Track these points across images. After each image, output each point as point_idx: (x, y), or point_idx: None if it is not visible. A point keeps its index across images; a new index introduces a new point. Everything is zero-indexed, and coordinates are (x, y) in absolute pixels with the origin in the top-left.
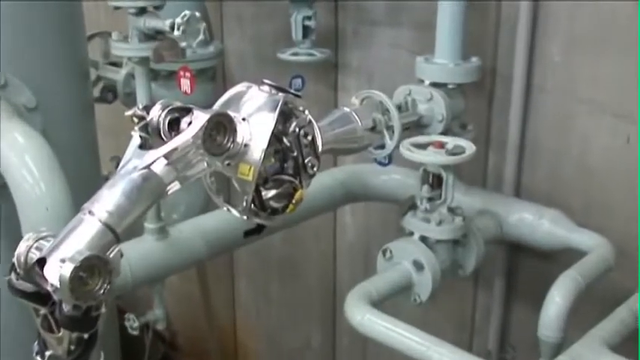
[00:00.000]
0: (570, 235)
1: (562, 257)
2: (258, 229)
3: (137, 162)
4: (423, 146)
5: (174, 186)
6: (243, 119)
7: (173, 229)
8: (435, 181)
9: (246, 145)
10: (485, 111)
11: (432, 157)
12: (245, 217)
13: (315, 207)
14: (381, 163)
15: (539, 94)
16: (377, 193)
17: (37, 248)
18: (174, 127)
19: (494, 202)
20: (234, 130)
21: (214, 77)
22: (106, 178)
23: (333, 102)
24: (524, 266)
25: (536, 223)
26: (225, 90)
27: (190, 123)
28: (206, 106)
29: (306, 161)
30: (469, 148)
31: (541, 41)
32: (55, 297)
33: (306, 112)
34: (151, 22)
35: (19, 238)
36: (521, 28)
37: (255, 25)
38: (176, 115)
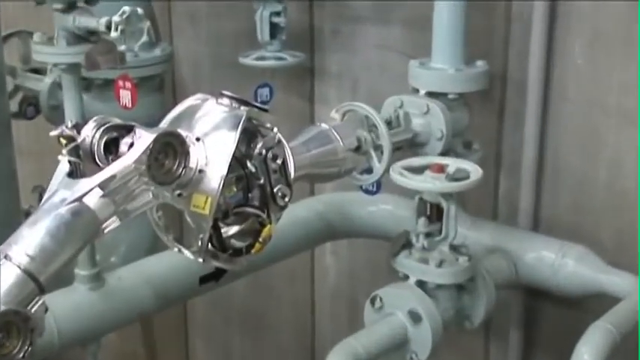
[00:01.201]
0: (600, 277)
1: (591, 304)
2: (218, 275)
3: (65, 193)
4: (418, 170)
5: (113, 222)
6: (198, 139)
7: (111, 275)
8: (433, 213)
9: (201, 172)
10: (495, 126)
11: (429, 184)
12: (201, 260)
13: (288, 246)
14: (367, 192)
15: (559, 104)
16: (363, 227)
17: None
18: (111, 149)
19: (507, 238)
20: (187, 153)
21: (161, 87)
22: (27, 214)
23: (308, 117)
24: (545, 315)
25: (559, 262)
26: (175, 103)
27: (132, 145)
28: (151, 123)
29: (275, 190)
30: (475, 171)
31: (561, 40)
32: None
33: (275, 129)
34: (82, 21)
35: None
36: (537, 24)
37: (212, 24)
38: (114, 134)
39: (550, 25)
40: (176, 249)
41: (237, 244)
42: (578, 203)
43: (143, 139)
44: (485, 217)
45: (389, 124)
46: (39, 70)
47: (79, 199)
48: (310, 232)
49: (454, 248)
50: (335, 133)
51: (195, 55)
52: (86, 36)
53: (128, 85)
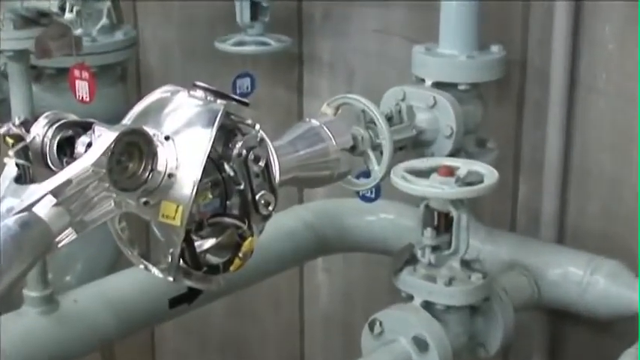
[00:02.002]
0: (635, 297)
1: (624, 327)
2: (191, 296)
3: (13, 202)
4: (424, 173)
5: (68, 235)
6: (167, 138)
7: (66, 297)
8: (442, 223)
9: (171, 176)
10: (513, 121)
11: (437, 189)
12: (171, 279)
13: (273, 262)
14: (365, 198)
15: (587, 95)
16: (360, 240)
17: None
18: (66, 150)
19: (528, 252)
20: (154, 154)
21: (124, 78)
22: None
23: (296, 111)
24: (572, 341)
25: (588, 280)
26: (140, 96)
27: (90, 144)
28: (113, 119)
29: (257, 197)
30: (490, 174)
31: (588, 22)
32: None
33: (257, 126)
34: (31, 1)
35: None
36: (561, 4)
37: (184, 3)
38: (69, 133)
39: (576, 5)
40: (142, 266)
41: (213, 260)
42: (610, 211)
43: (103, 137)
44: (502, 227)
45: (389, 119)
46: None
47: (29, 208)
48: (298, 245)
49: (466, 264)
50: (327, 131)
51: (164, 40)
52: (36, 18)
53: (85, 75)
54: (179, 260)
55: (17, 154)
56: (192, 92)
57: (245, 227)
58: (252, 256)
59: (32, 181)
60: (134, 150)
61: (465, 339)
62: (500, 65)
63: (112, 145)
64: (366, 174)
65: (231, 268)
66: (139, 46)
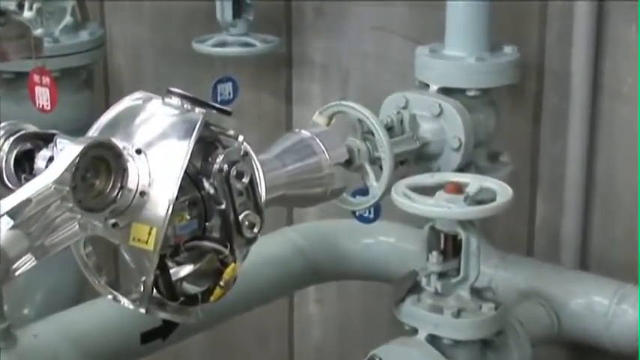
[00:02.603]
0: None
1: None
2: (165, 330)
3: None
4: (429, 190)
5: (27, 262)
6: (139, 152)
7: (24, 332)
8: (449, 247)
9: (143, 194)
10: (529, 132)
11: (443, 209)
12: (143, 311)
13: (259, 291)
14: (362, 219)
15: (612, 102)
16: (357, 266)
17: None
18: (25, 166)
19: (547, 279)
20: (124, 170)
21: (90, 83)
22: None
23: (284, 121)
24: None
25: (614, 310)
26: (108, 104)
27: (51, 159)
28: (77, 130)
29: (240, 218)
30: (503, 192)
31: (613, 20)
32: None
33: (240, 138)
34: None
35: None
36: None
37: None
38: (28, 146)
39: (599, 2)
40: (110, 296)
41: (190, 289)
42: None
43: (66, 151)
44: (518, 251)
45: (390, 129)
46: None
47: None
48: (287, 272)
49: (476, 293)
50: (319, 143)
51: (135, 40)
52: None
53: (46, 80)
54: (152, 289)
55: None
56: (166, 100)
57: (227, 252)
58: (235, 285)
59: None
60: (101, 165)
61: None
62: (514, 68)
63: (77, 160)
64: (364, 191)
65: (212, 298)
66: (107, 48)
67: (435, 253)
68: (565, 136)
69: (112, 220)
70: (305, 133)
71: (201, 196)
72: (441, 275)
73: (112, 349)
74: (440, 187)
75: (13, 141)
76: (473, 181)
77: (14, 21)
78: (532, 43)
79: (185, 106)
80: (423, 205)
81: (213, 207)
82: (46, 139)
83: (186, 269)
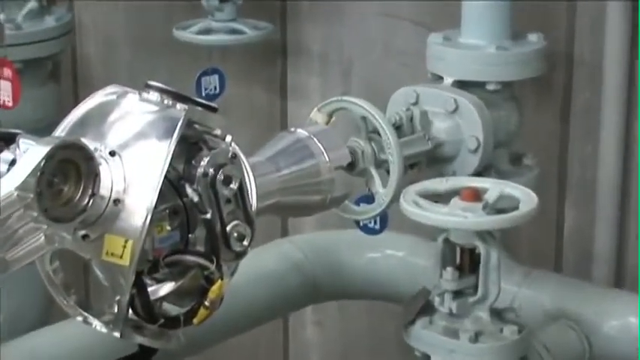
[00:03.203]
0: None
1: None
2: (142, 357)
3: None
4: (443, 197)
5: None
6: (113, 154)
7: None
8: (466, 262)
9: (117, 202)
10: (557, 131)
11: (459, 218)
12: (117, 334)
13: (250, 313)
14: (367, 230)
15: None
16: (360, 284)
17: None
18: None
19: (577, 298)
20: (95, 175)
21: (57, 75)
22: None
23: (278, 119)
24: None
25: None
26: (77, 100)
27: (14, 162)
28: (43, 129)
29: (228, 229)
30: (527, 199)
31: None
32: None
33: (228, 138)
34: None
35: None
36: None
37: None
38: None
39: None
40: (80, 318)
41: (171, 309)
42: None
43: (30, 153)
44: (545, 266)
45: (398, 128)
46: None
47: None
48: (282, 291)
49: (497, 314)
50: (317, 143)
51: (108, 27)
52: None
53: (8, 72)
54: (128, 310)
55: None
56: (144, 95)
57: (213, 268)
58: (223, 305)
59: None
60: (70, 169)
61: None
62: (539, 59)
63: (42, 163)
64: (369, 199)
65: (195, 320)
66: (76, 35)
67: (449, 268)
68: (597, 137)
69: (82, 232)
70: (302, 132)
71: (183, 204)
72: (457, 294)
73: None
74: (455, 193)
75: None
76: (493, 187)
77: None
78: (560, 31)
79: (165, 101)
80: (435, 214)
81: (197, 216)
82: (8, 140)
83: (167, 287)
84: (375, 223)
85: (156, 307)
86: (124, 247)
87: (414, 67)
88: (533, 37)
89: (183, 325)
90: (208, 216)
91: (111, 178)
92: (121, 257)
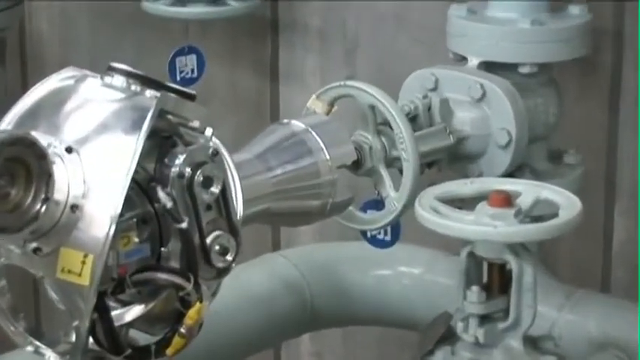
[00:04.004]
0: None
1: None
2: None
3: None
4: (467, 203)
5: None
6: (70, 150)
7: None
8: (495, 280)
9: (75, 208)
10: (605, 123)
11: (487, 228)
12: None
13: (234, 341)
14: (376, 242)
15: None
16: (367, 307)
17: None
18: None
19: (627, 323)
20: (49, 176)
21: (2, 56)
22: None
23: (268, 107)
24: None
25: None
26: (27, 85)
27: None
28: None
29: (208, 241)
30: (569, 204)
31: None
32: None
33: (209, 131)
34: None
35: None
36: None
37: None
38: None
39: None
40: (30, 348)
41: (141, 338)
42: None
43: None
44: (590, 285)
45: (413, 120)
46: None
47: None
48: (274, 316)
49: (532, 343)
50: (316, 138)
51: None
52: None
53: None
54: (88, 339)
55: None
56: (107, 79)
57: (190, 287)
58: (202, 333)
59: None
60: (19, 169)
61: None
62: (583, 36)
63: None
64: (378, 204)
65: (169, 350)
66: (25, 8)
67: (475, 288)
68: None
69: (34, 244)
70: (297, 124)
71: (154, 210)
72: (484, 319)
73: None
74: (482, 198)
75: None
76: (527, 190)
77: None
78: (607, 2)
79: (132, 87)
80: (458, 223)
81: (170, 226)
82: None
83: (135, 311)
84: (386, 233)
85: (121, 335)
86: (83, 262)
87: (432, 45)
88: (575, 10)
89: (155, 356)
90: (184, 225)
91: (67, 179)
92: (80, 275)
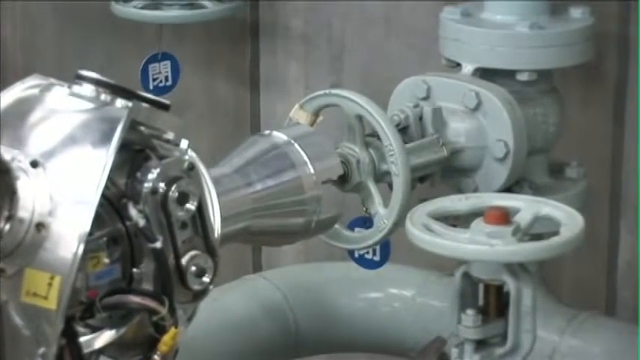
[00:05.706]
0: None
1: None
2: None
3: None
4: (461, 220)
5: None
6: (35, 165)
7: None
8: (492, 303)
9: (41, 227)
10: (609, 134)
11: (483, 247)
12: None
13: None
14: (364, 262)
15: None
16: (355, 332)
17: None
18: None
19: (634, 348)
20: (12, 192)
21: None
22: None
23: (247, 118)
24: None
25: None
26: None
27: None
28: None
29: (184, 261)
30: (571, 221)
31: None
32: None
33: (184, 144)
34: None
35: None
36: None
37: None
38: None
39: None
40: None
41: None
42: None
43: None
44: (594, 307)
45: (403, 130)
46: None
47: None
48: (255, 342)
49: None
50: (300, 150)
51: (29, 1)
52: None
53: None
54: None
55: None
56: (74, 88)
57: (164, 312)
58: None
59: None
60: None
61: None
62: (585, 41)
63: None
64: (366, 222)
65: None
66: None
67: (470, 311)
68: None
69: None
70: (279, 135)
71: (126, 229)
72: (480, 344)
73: None
74: (478, 214)
75: None
76: (526, 206)
77: None
78: (611, 5)
79: (102, 96)
80: (452, 242)
81: (143, 245)
82: None
83: (105, 337)
84: (375, 253)
85: None
86: (50, 285)
87: (423, 50)
88: (576, 13)
89: None
90: (158, 245)
91: (32, 196)
92: (46, 298)
